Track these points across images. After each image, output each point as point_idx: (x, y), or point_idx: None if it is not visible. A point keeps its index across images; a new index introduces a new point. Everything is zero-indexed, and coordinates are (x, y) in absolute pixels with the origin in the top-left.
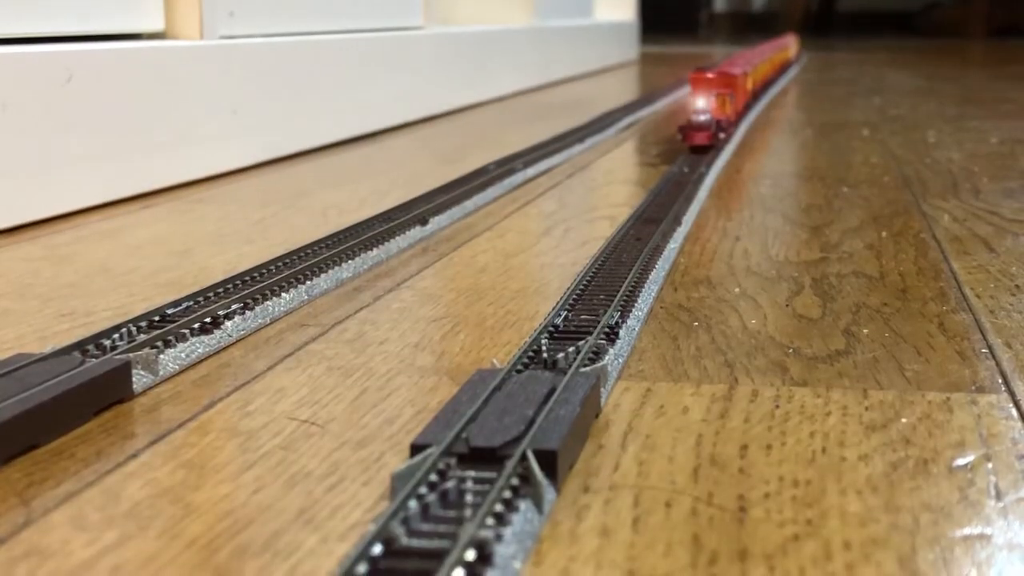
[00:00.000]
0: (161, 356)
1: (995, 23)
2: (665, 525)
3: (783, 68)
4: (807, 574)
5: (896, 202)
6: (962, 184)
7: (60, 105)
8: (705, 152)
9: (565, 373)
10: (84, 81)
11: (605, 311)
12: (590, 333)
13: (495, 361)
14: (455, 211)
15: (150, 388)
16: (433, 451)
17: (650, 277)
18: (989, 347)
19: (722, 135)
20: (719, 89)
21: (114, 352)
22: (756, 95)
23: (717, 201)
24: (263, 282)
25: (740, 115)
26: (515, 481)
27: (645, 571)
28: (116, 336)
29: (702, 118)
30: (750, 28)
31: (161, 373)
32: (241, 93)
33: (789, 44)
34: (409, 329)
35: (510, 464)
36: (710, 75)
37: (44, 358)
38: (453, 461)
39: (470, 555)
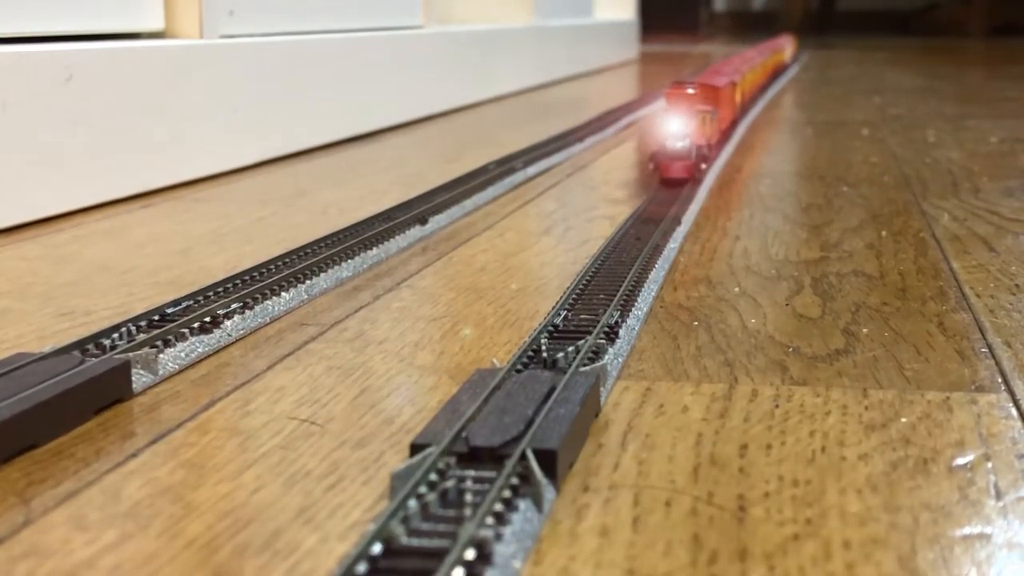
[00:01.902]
0: (161, 355)
1: (995, 22)
2: (665, 524)
3: (777, 73)
4: (807, 573)
5: (896, 201)
6: (962, 183)
7: (60, 104)
8: (683, 185)
9: (565, 372)
10: (84, 80)
11: (605, 310)
12: (590, 332)
13: (495, 360)
14: (455, 210)
15: (150, 387)
16: (433, 450)
17: (650, 276)
18: (989, 346)
19: (704, 166)
20: (701, 106)
21: (114, 351)
22: (745, 108)
23: (717, 200)
24: (263, 281)
25: (727, 134)
26: (515, 480)
27: (645, 570)
28: (116, 335)
29: (680, 144)
30: (750, 27)
31: (161, 372)
32: (241, 92)
33: (783, 46)
34: (409, 328)
35: (510, 463)
36: (690, 90)
37: (44, 357)
38: (453, 460)
39: (470, 554)
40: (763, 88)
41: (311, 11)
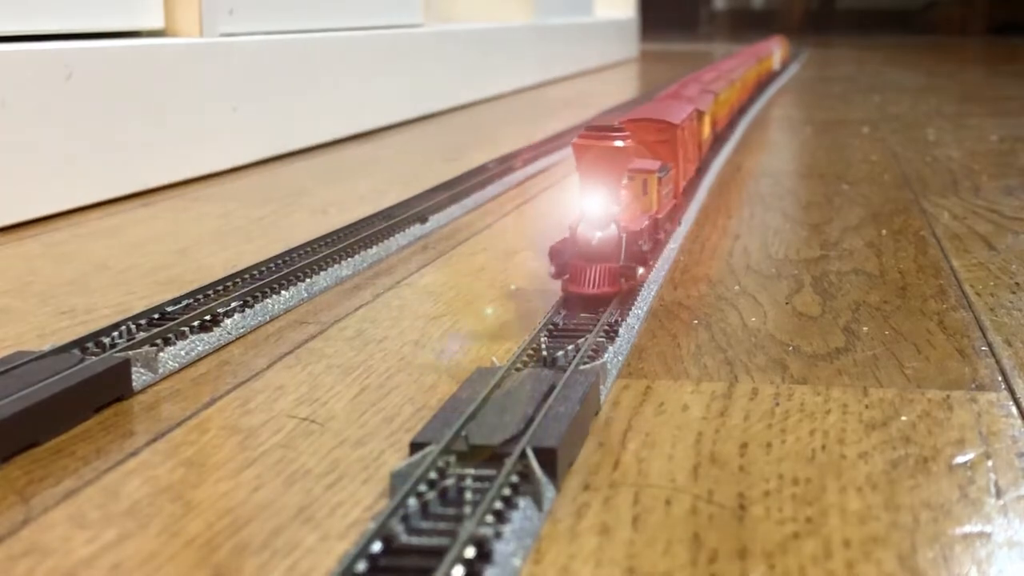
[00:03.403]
0: (161, 354)
1: (995, 20)
2: (665, 523)
3: (763, 83)
4: (807, 572)
5: (896, 200)
6: (962, 182)
7: (60, 103)
8: (606, 303)
9: (565, 371)
10: (84, 79)
11: (605, 309)
12: (590, 331)
13: (494, 359)
14: (455, 209)
15: (150, 386)
16: (432, 449)
17: (650, 276)
18: (989, 345)
19: (641, 270)
20: (642, 164)
21: (114, 350)
22: (720, 139)
23: (717, 199)
24: (263, 280)
25: (690, 190)
26: (515, 479)
27: (645, 569)
28: (116, 334)
29: (598, 236)
30: (750, 26)
31: (161, 371)
32: (240, 91)
33: (772, 51)
34: (409, 327)
35: (509, 462)
36: (618, 142)
37: (44, 356)
38: (452, 459)
39: (470, 552)
40: (743, 109)
41: (311, 9)
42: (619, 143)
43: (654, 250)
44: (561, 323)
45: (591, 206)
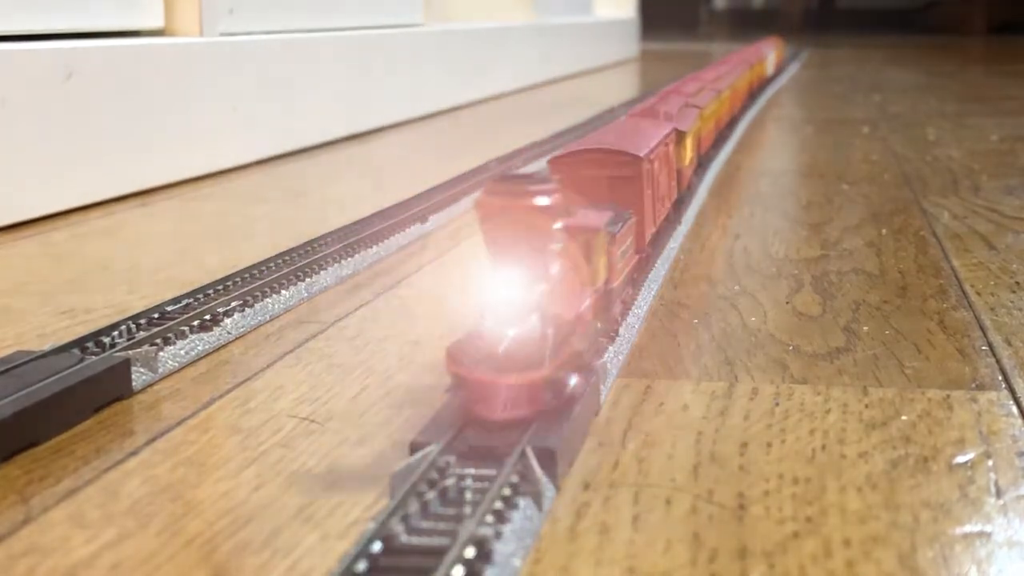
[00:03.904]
0: (160, 353)
1: (995, 20)
2: (665, 523)
3: (755, 90)
4: (807, 571)
5: (896, 199)
6: (962, 181)
7: (59, 102)
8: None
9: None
10: (83, 78)
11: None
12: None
13: None
14: (455, 208)
15: (150, 385)
16: (433, 449)
17: (650, 275)
18: (989, 344)
19: (573, 380)
20: (583, 220)
21: (114, 349)
22: (703, 159)
23: (717, 199)
24: (263, 279)
25: (663, 235)
26: (514, 479)
27: (645, 569)
28: (115, 333)
29: (511, 335)
30: (750, 25)
31: (161, 370)
32: (240, 90)
33: (766, 55)
34: (409, 327)
35: (509, 462)
36: (539, 197)
37: (43, 355)
38: (452, 459)
39: (470, 552)
40: (733, 121)
41: (311, 9)
42: (542, 199)
43: (612, 331)
44: None
45: (502, 291)
